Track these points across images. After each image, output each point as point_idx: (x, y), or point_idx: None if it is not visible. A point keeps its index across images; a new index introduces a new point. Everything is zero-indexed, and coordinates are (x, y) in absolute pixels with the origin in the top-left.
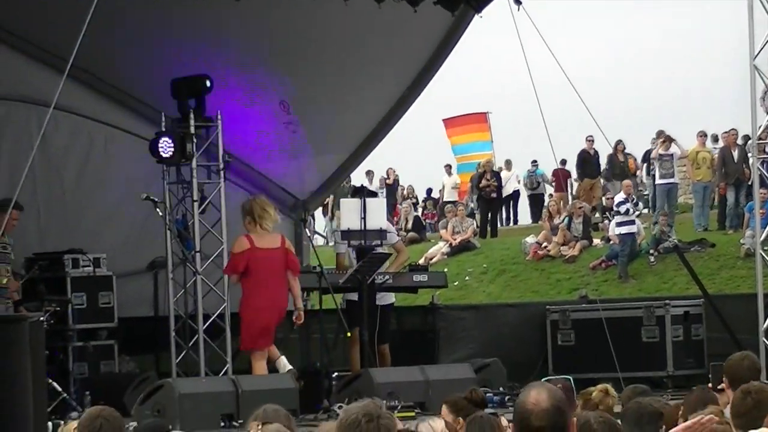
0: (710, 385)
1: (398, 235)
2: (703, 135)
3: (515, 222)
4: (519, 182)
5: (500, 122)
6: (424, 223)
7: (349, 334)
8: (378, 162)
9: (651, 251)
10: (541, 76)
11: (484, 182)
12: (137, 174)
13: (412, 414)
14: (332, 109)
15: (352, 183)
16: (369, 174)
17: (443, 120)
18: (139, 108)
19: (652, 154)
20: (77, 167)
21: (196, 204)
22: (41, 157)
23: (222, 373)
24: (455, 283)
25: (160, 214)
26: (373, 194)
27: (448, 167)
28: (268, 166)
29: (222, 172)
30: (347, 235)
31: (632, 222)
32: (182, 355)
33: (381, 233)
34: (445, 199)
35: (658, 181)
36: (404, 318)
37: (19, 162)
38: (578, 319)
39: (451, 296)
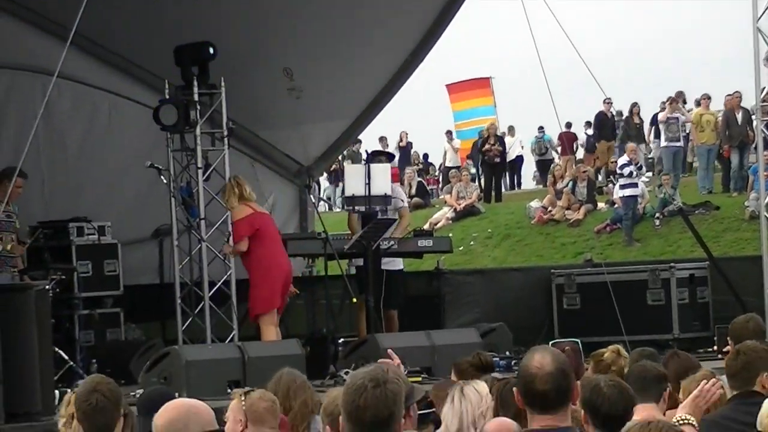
0: (716, 347)
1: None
2: (707, 98)
3: (519, 187)
4: (522, 148)
5: (504, 88)
6: (428, 189)
7: (354, 300)
8: (387, 129)
9: (656, 215)
10: (545, 41)
11: (487, 146)
12: (141, 142)
13: (419, 379)
14: (336, 76)
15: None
16: (382, 140)
17: (446, 85)
18: (142, 76)
19: (660, 117)
20: (81, 135)
21: (200, 171)
22: (45, 125)
23: (228, 340)
24: (460, 248)
25: (165, 181)
26: (391, 156)
27: (449, 133)
28: (272, 132)
29: (226, 139)
30: (351, 200)
31: (635, 185)
32: (188, 322)
33: (385, 199)
34: (446, 164)
35: (663, 144)
36: (409, 283)
37: (23, 130)
38: (583, 282)
39: (456, 261)
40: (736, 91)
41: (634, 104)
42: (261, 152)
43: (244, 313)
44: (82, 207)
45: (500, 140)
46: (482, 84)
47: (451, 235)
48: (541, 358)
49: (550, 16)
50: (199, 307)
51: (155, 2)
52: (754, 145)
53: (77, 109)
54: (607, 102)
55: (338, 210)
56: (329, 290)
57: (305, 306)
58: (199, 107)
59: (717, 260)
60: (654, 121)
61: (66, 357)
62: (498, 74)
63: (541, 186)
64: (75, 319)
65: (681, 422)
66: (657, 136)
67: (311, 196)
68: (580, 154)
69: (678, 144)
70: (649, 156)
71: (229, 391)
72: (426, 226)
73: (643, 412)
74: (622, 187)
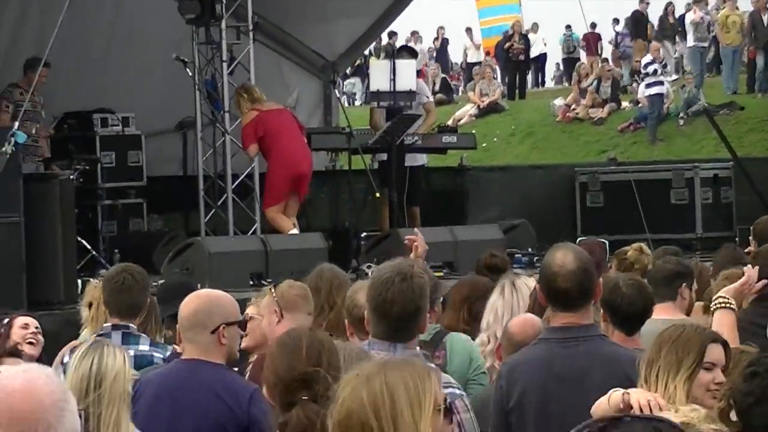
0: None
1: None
2: None
3: (542, 85)
4: (545, 45)
5: None
6: (451, 85)
7: (377, 195)
8: (405, 25)
9: (680, 114)
10: None
11: (510, 43)
12: (166, 34)
13: (441, 274)
14: None
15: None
16: (414, 34)
17: None
18: None
19: (687, 18)
20: (107, 27)
21: (225, 65)
22: (71, 16)
23: (250, 232)
24: (483, 145)
25: (190, 74)
26: (414, 53)
27: (469, 30)
28: (298, 27)
29: (251, 33)
30: (376, 96)
31: (661, 83)
32: (210, 214)
33: (410, 95)
34: (468, 61)
35: (690, 43)
36: (433, 178)
37: (48, 22)
38: (607, 181)
39: (479, 158)
40: None
41: (669, 3)
42: (286, 47)
43: (262, 207)
44: (106, 98)
45: (524, 38)
46: None
47: (474, 132)
48: (563, 256)
49: None
50: (222, 200)
51: None
52: None
53: (103, 1)
54: (645, 2)
55: (359, 104)
56: (352, 185)
57: (328, 200)
58: (224, 0)
59: (741, 160)
60: (681, 21)
61: (89, 247)
62: None
63: (566, 84)
64: (98, 209)
65: (722, 305)
66: (683, 37)
67: (336, 91)
68: (607, 52)
69: (704, 44)
70: (675, 56)
71: (251, 282)
72: (449, 123)
73: (660, 311)
74: (648, 86)
